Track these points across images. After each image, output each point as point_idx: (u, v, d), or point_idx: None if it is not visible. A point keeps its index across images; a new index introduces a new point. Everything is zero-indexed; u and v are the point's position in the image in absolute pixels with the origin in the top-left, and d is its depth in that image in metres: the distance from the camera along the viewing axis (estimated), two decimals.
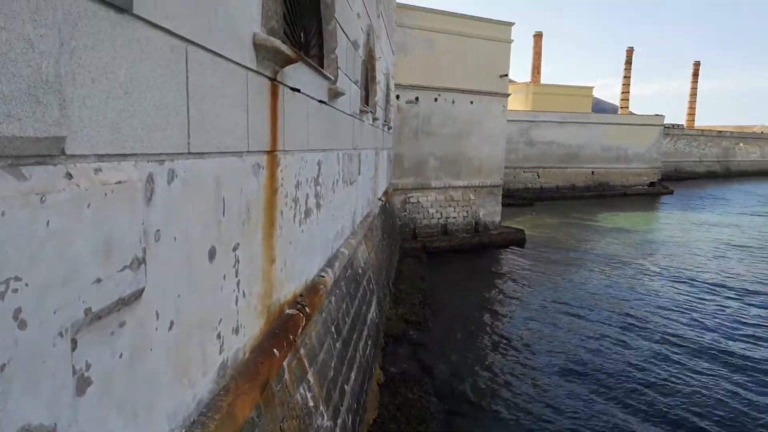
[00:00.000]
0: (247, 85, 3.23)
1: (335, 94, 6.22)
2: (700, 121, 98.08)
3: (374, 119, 11.74)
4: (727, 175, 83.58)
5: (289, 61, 3.81)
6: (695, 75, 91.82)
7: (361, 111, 9.11)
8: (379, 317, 10.48)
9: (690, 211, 39.79)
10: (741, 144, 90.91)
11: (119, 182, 1.86)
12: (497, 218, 24.78)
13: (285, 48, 3.53)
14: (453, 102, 22.56)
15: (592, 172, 49.88)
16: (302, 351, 4.71)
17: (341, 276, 7.09)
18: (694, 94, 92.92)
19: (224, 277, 2.99)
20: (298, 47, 4.92)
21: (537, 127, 46.74)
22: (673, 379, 10.37)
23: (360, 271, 8.91)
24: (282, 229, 4.21)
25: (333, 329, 6.08)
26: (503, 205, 26.05)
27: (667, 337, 12.72)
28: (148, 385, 2.18)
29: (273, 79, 3.76)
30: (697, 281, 18.16)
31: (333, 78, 6.05)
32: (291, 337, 4.09)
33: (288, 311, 4.42)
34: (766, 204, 44.53)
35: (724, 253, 23.11)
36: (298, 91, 4.48)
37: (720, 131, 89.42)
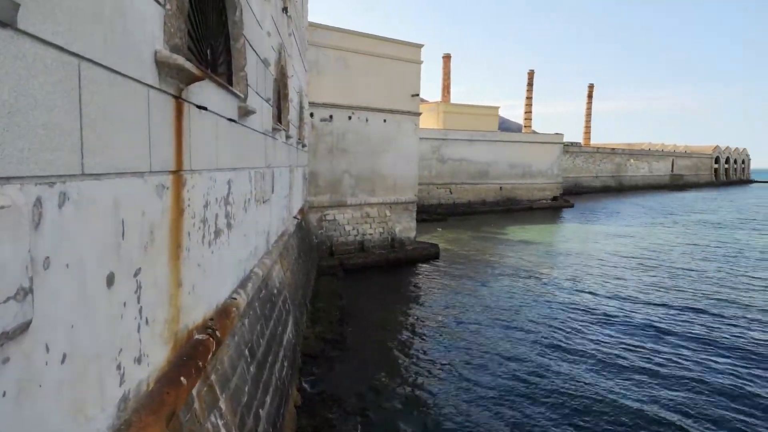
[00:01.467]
0: (148, 103, 3.11)
1: (246, 112, 6.13)
2: (596, 139, 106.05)
3: (288, 137, 11.66)
4: (620, 189, 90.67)
5: (195, 79, 3.72)
6: (590, 96, 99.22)
7: (274, 129, 9.02)
8: (296, 337, 10.31)
9: (588, 223, 42.74)
10: (632, 160, 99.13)
11: (1, 207, 1.73)
12: (413, 234, 25.29)
13: (189, 65, 3.45)
14: (367, 120, 22.89)
15: (501, 187, 52.33)
16: (213, 377, 4.54)
17: (255, 297, 6.92)
18: (589, 114, 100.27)
19: (124, 304, 2.83)
20: (204, 65, 4.82)
21: (448, 144, 48.44)
22: (583, 385, 11.00)
23: (275, 291, 8.75)
24: (190, 252, 4.06)
25: (247, 352, 5.91)
26: (418, 220, 26.64)
27: (569, 341, 13.50)
28: (39, 425, 2.02)
29: (178, 97, 3.65)
30: (594, 291, 19.46)
31: (243, 96, 5.97)
32: (200, 363, 3.93)
33: (197, 337, 4.25)
34: (651, 216, 48.78)
35: (618, 263, 24.98)
36: (205, 109, 4.38)
37: (613, 148, 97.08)
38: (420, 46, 24.96)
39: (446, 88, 69.01)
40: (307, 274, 15.63)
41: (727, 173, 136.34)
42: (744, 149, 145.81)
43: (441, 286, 19.85)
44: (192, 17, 4.38)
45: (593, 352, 12.80)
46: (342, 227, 22.59)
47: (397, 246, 24.25)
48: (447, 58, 69.65)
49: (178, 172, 3.72)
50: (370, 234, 23.51)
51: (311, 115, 20.94)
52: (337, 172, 22.28)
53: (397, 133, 24.15)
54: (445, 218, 42.42)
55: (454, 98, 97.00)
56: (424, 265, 23.49)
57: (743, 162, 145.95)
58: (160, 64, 3.24)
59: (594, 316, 15.86)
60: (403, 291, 19.50)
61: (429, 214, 41.50)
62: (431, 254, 24.96)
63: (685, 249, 28.93)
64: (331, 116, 21.74)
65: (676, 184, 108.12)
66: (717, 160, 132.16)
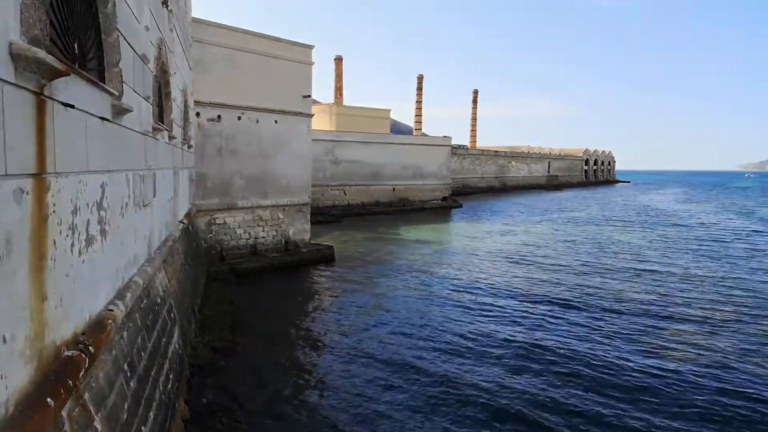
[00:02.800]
0: (2, 99, 2.83)
1: (121, 111, 5.75)
2: (481, 142, 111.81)
3: (171, 137, 11.08)
4: (503, 189, 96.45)
5: (59, 74, 3.44)
6: (475, 101, 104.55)
7: (155, 129, 8.54)
8: (183, 348, 9.83)
9: (476, 222, 45.08)
10: (513, 162, 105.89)
11: None
12: (307, 236, 25.11)
13: (51, 59, 3.19)
14: (257, 121, 22.36)
15: (393, 188, 53.54)
16: (87, 396, 4.21)
17: (135, 307, 6.51)
18: (474, 118, 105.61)
19: None
20: (71, 59, 4.46)
21: (342, 146, 48.70)
22: (477, 375, 11.56)
23: (159, 300, 8.28)
24: (56, 262, 3.74)
25: (126, 367, 5.55)
26: (312, 222, 26.50)
27: (461, 336, 14.15)
28: None
29: (39, 94, 3.35)
30: (483, 286, 20.55)
31: (117, 93, 5.59)
32: (71, 382, 3.64)
33: (67, 353, 3.92)
34: (531, 214, 52.52)
35: (502, 259, 26.61)
36: (73, 107, 4.05)
37: (497, 151, 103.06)
38: (311, 47, 24.85)
39: (338, 90, 69.30)
40: (195, 281, 14.95)
41: (595, 174, 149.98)
42: (609, 152, 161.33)
43: (336, 288, 19.91)
44: (56, 8, 4.04)
45: (491, 347, 13.50)
46: (233, 231, 21.87)
47: (292, 249, 23.95)
48: (339, 60, 69.96)
49: (40, 176, 3.42)
50: (263, 237, 23.00)
51: (197, 114, 20.06)
52: (226, 174, 21.53)
53: (289, 134, 23.84)
54: (340, 219, 42.59)
55: (348, 100, 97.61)
56: (320, 268, 23.42)
57: (609, 164, 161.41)
58: (16, 57, 2.96)
59: (484, 310, 16.74)
60: (298, 295, 19.31)
61: (324, 215, 41.44)
62: (326, 256, 24.93)
63: (559, 244, 31.45)
64: (219, 116, 20.97)
65: (553, 184, 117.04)
66: (587, 162, 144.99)
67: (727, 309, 16.85)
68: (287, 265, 22.87)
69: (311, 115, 25.29)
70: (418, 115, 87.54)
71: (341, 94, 69.34)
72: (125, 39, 6.05)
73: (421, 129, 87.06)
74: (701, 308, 16.91)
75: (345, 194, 48.99)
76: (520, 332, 14.44)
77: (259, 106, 22.35)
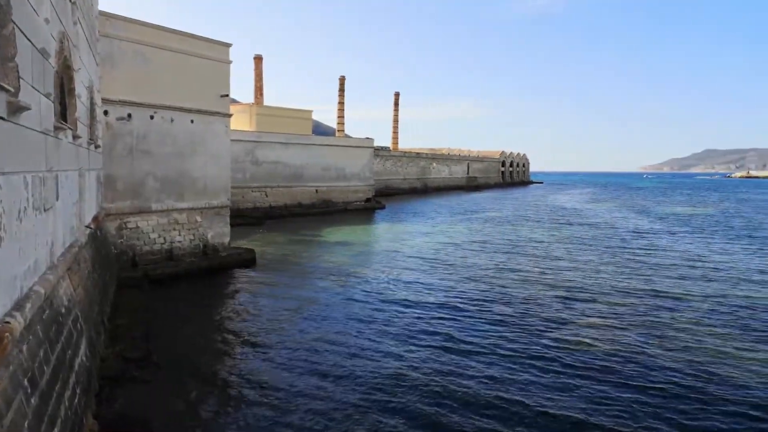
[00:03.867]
0: None
1: (18, 108, 5.37)
2: (403, 144, 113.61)
3: (75, 137, 10.43)
4: (425, 190, 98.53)
5: None
6: (396, 104, 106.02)
7: (57, 128, 8.02)
8: (91, 360, 9.28)
9: (398, 222, 45.78)
10: (434, 164, 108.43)
11: None
12: (226, 239, 24.42)
13: None
14: (172, 120, 21.48)
15: (316, 190, 53.22)
16: None
17: (36, 319, 6.09)
18: (396, 120, 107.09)
19: None
20: None
21: (262, 147, 47.78)
22: (405, 370, 11.73)
23: (63, 310, 7.78)
24: None
25: (26, 383, 5.18)
26: (233, 225, 25.83)
27: (385, 336, 14.34)
28: None
29: None
30: (405, 286, 20.92)
31: (13, 89, 5.22)
32: None
33: None
34: (451, 214, 54.09)
35: (424, 258, 27.21)
36: None
37: (418, 153, 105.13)
38: (228, 45, 24.23)
39: (259, 90, 67.91)
40: (104, 289, 14.14)
41: (512, 175, 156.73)
42: (524, 154, 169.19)
43: (258, 293, 19.50)
44: None
45: (414, 345, 13.75)
46: (146, 235, 20.85)
47: (210, 253, 23.20)
48: (259, 59, 68.57)
49: None
50: (180, 241, 22.11)
51: (105, 113, 18.97)
52: (138, 175, 20.50)
53: (206, 134, 23.09)
54: (262, 222, 41.75)
55: (269, 100, 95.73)
56: (241, 272, 22.84)
57: (524, 165, 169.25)
58: None
59: (406, 310, 17.03)
60: (217, 300, 18.75)
61: (244, 218, 40.40)
62: (247, 260, 24.35)
63: (477, 244, 32.62)
64: (129, 115, 19.93)
65: (472, 185, 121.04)
66: (504, 164, 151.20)
67: (628, 300, 18.20)
68: (206, 270, 22.13)
69: (230, 115, 24.66)
70: (341, 116, 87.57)
71: (262, 94, 67.99)
72: (22, 32, 5.65)
73: (343, 130, 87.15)
74: (604, 300, 18.16)
75: (267, 196, 48.09)
76: (439, 329, 14.85)
77: (174, 104, 21.49)
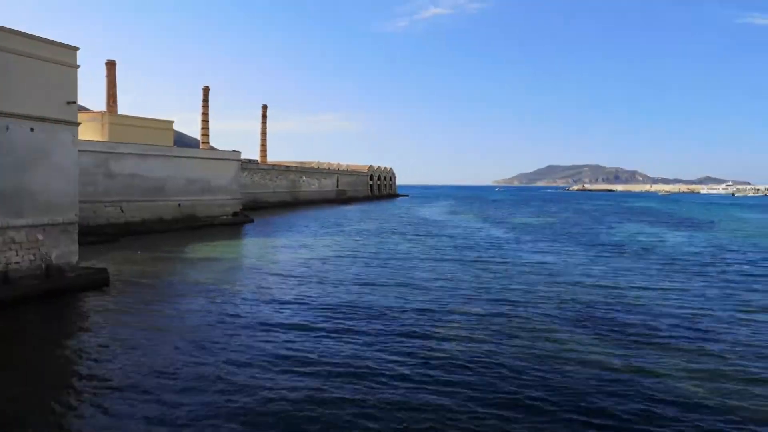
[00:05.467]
0: None
1: None
2: (272, 157, 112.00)
3: None
4: (295, 203, 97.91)
5: None
6: (264, 116, 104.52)
7: None
8: None
9: (268, 237, 45.01)
10: (304, 177, 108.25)
11: None
12: (74, 259, 22.24)
13: None
14: (7, 128, 19.20)
15: (179, 204, 50.45)
16: None
17: None
18: (264, 132, 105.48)
19: None
20: None
21: (117, 158, 44.35)
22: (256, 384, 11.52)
23: None
24: None
25: None
26: (83, 243, 23.61)
27: (254, 354, 14.03)
28: None
29: None
30: (275, 301, 20.62)
31: None
32: None
33: None
34: (321, 227, 54.39)
35: (295, 273, 27.04)
36: None
37: (288, 166, 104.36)
38: (75, 48, 22.30)
39: (112, 98, 62.96)
40: None
41: (379, 188, 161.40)
42: (390, 168, 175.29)
43: (110, 317, 17.79)
44: None
45: (284, 361, 13.58)
46: None
47: (55, 275, 20.95)
48: (111, 64, 63.68)
49: None
50: (17, 263, 19.71)
51: None
52: None
53: (49, 143, 20.95)
54: (116, 239, 38.60)
55: (124, 109, 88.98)
56: (91, 294, 20.81)
57: (390, 179, 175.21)
58: None
59: (275, 326, 16.72)
60: (60, 327, 16.97)
61: (96, 235, 37.00)
62: (98, 281, 22.27)
63: (346, 257, 33.16)
64: None
65: (341, 199, 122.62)
66: (372, 178, 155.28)
67: (482, 307, 19.72)
68: (49, 293, 19.92)
69: (78, 124, 22.65)
70: (205, 127, 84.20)
71: (115, 102, 63.10)
72: None
73: (208, 142, 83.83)
74: (462, 310, 19.50)
75: (122, 211, 44.54)
76: (306, 343, 14.88)
77: (10, 111, 19.25)
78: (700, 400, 10.92)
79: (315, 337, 15.53)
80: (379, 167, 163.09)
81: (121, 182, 44.53)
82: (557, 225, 61.14)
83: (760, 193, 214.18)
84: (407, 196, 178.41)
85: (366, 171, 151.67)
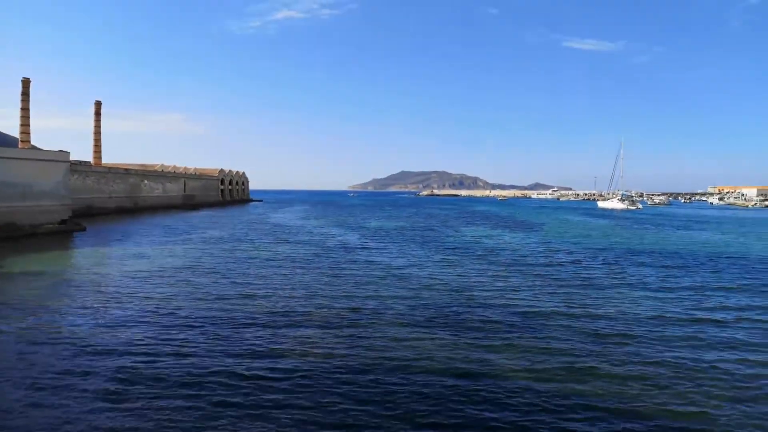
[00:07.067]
0: None
1: None
2: (108, 159, 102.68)
3: None
4: (136, 209, 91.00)
5: None
6: (98, 114, 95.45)
7: None
8: None
9: (104, 247, 41.34)
10: (146, 181, 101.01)
11: None
12: None
13: None
14: None
15: None
16: None
17: None
18: (98, 132, 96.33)
19: None
20: None
21: None
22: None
23: None
24: None
25: None
26: None
27: (92, 381, 13.16)
28: None
29: None
30: (111, 318, 19.25)
31: None
32: None
33: None
34: (166, 235, 51.29)
35: (135, 285, 25.34)
36: None
37: (127, 169, 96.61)
38: None
39: None
40: None
41: (231, 193, 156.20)
42: (243, 173, 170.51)
43: None
44: None
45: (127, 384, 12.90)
46: None
47: None
48: None
49: None
50: None
51: None
52: None
53: None
54: None
55: None
56: None
57: (243, 183, 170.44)
58: None
59: (111, 346, 15.72)
60: None
61: None
62: None
63: (190, 268, 31.82)
64: None
65: (189, 204, 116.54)
66: (223, 182, 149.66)
67: (332, 315, 20.43)
68: None
69: None
70: (25, 124, 74.65)
71: None
72: None
73: (29, 141, 74.48)
74: (309, 314, 20.02)
75: None
76: (150, 361, 14.31)
77: None
78: (528, 389, 12.68)
79: (146, 361, 14.51)
80: (230, 171, 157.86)
81: None
82: (410, 228, 64.61)
83: (579, 198, 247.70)
84: (261, 201, 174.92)
85: (216, 175, 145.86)
